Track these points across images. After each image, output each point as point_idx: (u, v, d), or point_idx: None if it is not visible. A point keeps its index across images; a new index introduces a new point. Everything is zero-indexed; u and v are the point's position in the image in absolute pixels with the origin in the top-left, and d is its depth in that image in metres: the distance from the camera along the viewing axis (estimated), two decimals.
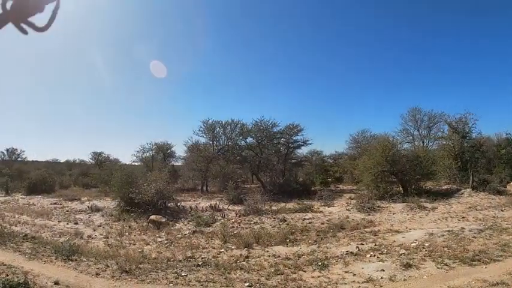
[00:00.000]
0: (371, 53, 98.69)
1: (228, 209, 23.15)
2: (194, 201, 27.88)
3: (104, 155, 58.27)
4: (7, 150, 70.36)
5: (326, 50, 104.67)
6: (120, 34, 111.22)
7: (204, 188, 36.50)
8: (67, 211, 24.67)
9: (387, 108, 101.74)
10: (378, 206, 20.85)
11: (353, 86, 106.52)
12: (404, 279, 9.18)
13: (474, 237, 13.35)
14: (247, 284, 9.41)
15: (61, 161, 73.20)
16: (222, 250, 13.99)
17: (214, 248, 14.43)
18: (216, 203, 24.49)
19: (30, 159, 74.92)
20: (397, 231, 15.32)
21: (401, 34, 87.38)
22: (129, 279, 10.25)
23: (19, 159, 71.17)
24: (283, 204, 24.19)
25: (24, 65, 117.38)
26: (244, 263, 11.88)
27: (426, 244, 12.54)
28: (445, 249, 11.76)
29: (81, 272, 10.98)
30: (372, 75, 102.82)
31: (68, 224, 20.41)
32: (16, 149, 71.33)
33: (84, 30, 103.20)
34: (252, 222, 19.09)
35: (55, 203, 28.17)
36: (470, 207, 19.14)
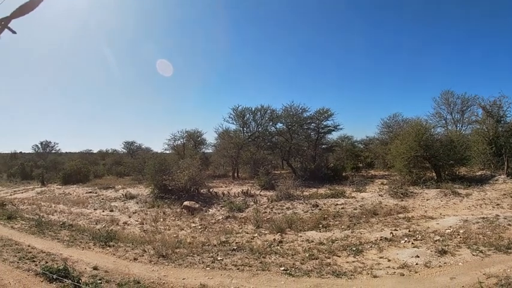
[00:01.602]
0: (402, 40, 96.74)
1: (260, 195, 23.35)
2: (226, 187, 28.25)
3: (135, 144, 59.27)
4: (41, 143, 72.73)
5: (357, 37, 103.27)
6: (142, 32, 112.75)
7: (235, 174, 36.81)
8: (102, 199, 25.49)
9: (419, 91, 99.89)
10: (411, 192, 20.57)
11: (384, 69, 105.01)
12: (440, 266, 9.13)
13: (509, 224, 13.03)
14: (282, 268, 9.53)
15: (94, 152, 75.05)
16: (256, 235, 14.21)
17: (247, 233, 14.68)
18: (247, 189, 24.72)
19: (64, 150, 77.27)
20: (431, 218, 15.16)
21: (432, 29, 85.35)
22: (167, 264, 10.49)
23: (53, 151, 73.36)
24: (314, 190, 24.21)
25: (54, 63, 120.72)
26: (278, 247, 12.03)
27: (461, 231, 12.38)
28: (480, 236, 11.60)
29: (119, 258, 11.30)
30: (403, 59, 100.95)
31: (103, 211, 21.10)
32: (50, 142, 73.73)
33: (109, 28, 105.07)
34: (284, 208, 19.26)
35: (90, 192, 29.07)
36: (504, 194, 18.59)
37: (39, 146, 72.97)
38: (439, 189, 20.53)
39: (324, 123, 37.07)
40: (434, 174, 25.15)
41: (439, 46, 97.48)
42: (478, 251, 10.02)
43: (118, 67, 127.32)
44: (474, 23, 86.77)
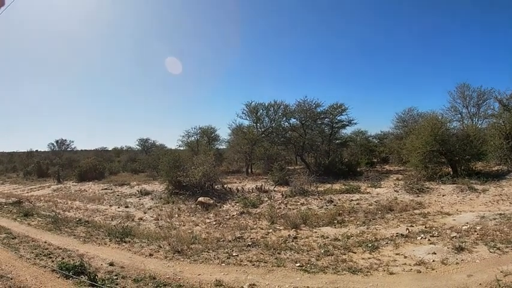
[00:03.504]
0: (416, 33, 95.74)
1: (274, 190, 23.37)
2: (240, 183, 28.34)
3: (150, 141, 59.76)
4: (57, 141, 73.85)
5: (371, 28, 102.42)
6: (153, 30, 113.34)
7: (249, 170, 36.86)
8: (117, 196, 25.77)
9: (434, 85, 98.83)
10: (427, 187, 20.36)
11: (398, 63, 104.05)
12: (457, 263, 9.02)
13: None
14: (298, 265, 9.52)
15: (109, 149, 76.12)
16: (270, 231, 14.22)
17: (262, 229, 14.70)
18: (261, 185, 24.78)
19: (79, 148, 78.56)
20: (448, 214, 15.00)
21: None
22: (182, 260, 10.52)
23: (68, 149, 74.55)
24: (329, 185, 24.14)
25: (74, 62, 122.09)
26: (293, 243, 12.01)
27: (478, 227, 12.18)
28: (497, 233, 11.39)
29: (135, 253, 11.37)
30: (417, 52, 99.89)
31: (119, 207, 21.38)
32: (65, 140, 74.90)
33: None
34: (299, 203, 19.26)
35: (106, 189, 29.48)
36: None
37: (55, 144, 74.17)
38: (455, 185, 20.33)
39: (338, 118, 36.92)
40: (450, 169, 24.88)
41: (453, 38, 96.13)
42: (495, 248, 9.87)
43: (131, 65, 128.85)
44: (489, 15, 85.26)
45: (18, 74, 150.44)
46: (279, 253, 10.84)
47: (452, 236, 11.47)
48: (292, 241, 12.34)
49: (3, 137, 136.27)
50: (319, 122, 37.83)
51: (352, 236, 12.44)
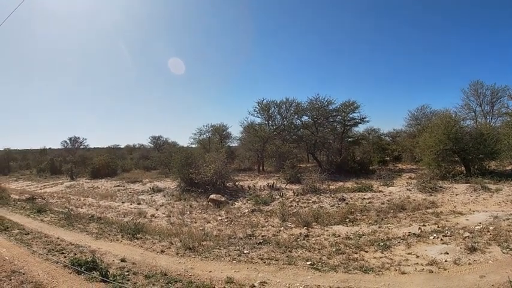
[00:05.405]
0: (430, 30, 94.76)
1: (286, 188, 23.39)
2: (251, 180, 28.40)
3: (162, 139, 60.03)
4: (70, 139, 74.64)
5: (385, 27, 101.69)
6: (164, 30, 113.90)
7: (261, 168, 36.86)
8: (130, 192, 26.11)
9: (447, 82, 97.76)
10: (440, 186, 20.15)
11: (411, 60, 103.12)
12: (469, 263, 8.95)
13: None
14: (309, 263, 9.53)
15: (121, 146, 76.58)
16: (282, 228, 14.25)
17: (273, 227, 14.74)
18: (273, 182, 24.80)
19: (92, 146, 79.31)
20: (461, 213, 14.87)
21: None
22: (193, 256, 10.61)
23: (81, 146, 75.33)
24: (341, 184, 24.11)
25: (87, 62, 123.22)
26: (304, 241, 12.03)
27: (491, 227, 12.05)
28: (511, 233, 11.26)
29: (146, 250, 11.51)
30: (430, 49, 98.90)
31: (131, 204, 21.61)
32: (78, 138, 75.71)
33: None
34: (311, 201, 19.25)
35: (118, 186, 29.89)
36: None
37: (68, 141, 74.94)
38: (468, 184, 20.10)
39: (350, 115, 36.45)
40: (463, 168, 24.60)
41: (467, 34, 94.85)
42: (508, 249, 9.77)
43: (143, 64, 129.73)
44: (502, 11, 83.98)
45: (31, 71, 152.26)
46: (290, 251, 10.88)
47: (465, 236, 11.37)
48: (304, 239, 12.36)
49: (18, 134, 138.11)
50: (331, 120, 37.54)
51: (364, 235, 12.42)
